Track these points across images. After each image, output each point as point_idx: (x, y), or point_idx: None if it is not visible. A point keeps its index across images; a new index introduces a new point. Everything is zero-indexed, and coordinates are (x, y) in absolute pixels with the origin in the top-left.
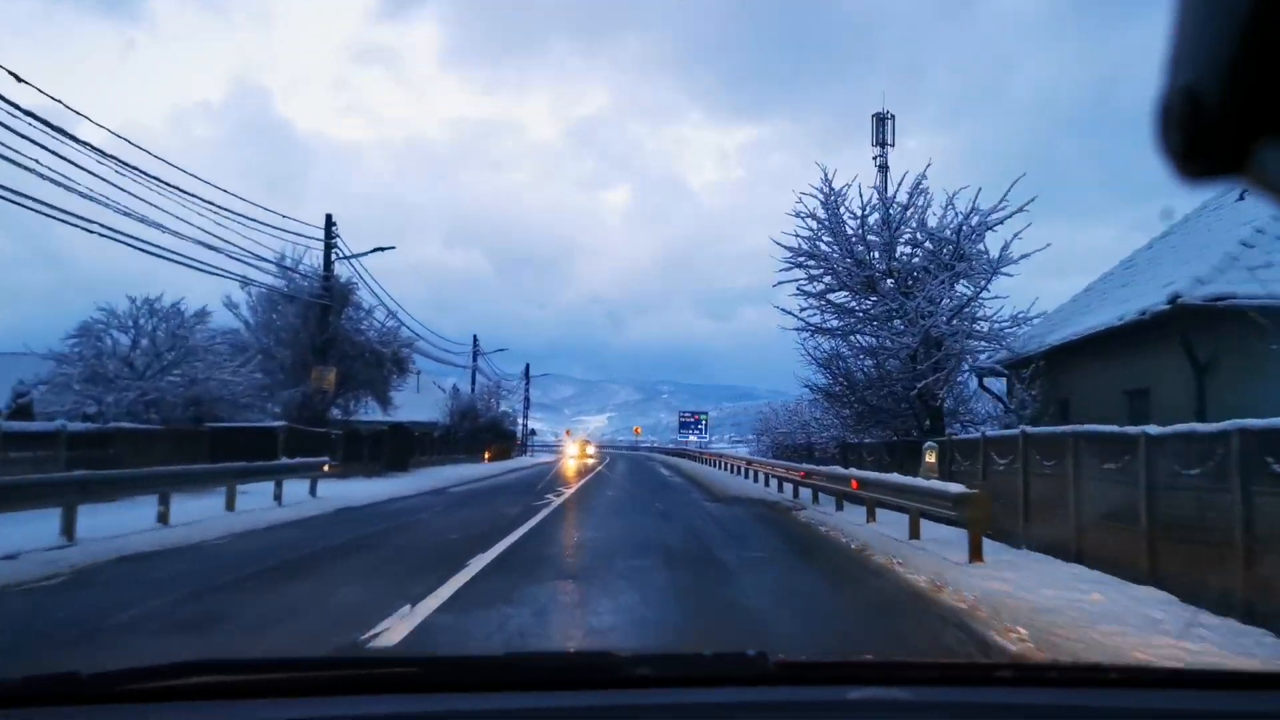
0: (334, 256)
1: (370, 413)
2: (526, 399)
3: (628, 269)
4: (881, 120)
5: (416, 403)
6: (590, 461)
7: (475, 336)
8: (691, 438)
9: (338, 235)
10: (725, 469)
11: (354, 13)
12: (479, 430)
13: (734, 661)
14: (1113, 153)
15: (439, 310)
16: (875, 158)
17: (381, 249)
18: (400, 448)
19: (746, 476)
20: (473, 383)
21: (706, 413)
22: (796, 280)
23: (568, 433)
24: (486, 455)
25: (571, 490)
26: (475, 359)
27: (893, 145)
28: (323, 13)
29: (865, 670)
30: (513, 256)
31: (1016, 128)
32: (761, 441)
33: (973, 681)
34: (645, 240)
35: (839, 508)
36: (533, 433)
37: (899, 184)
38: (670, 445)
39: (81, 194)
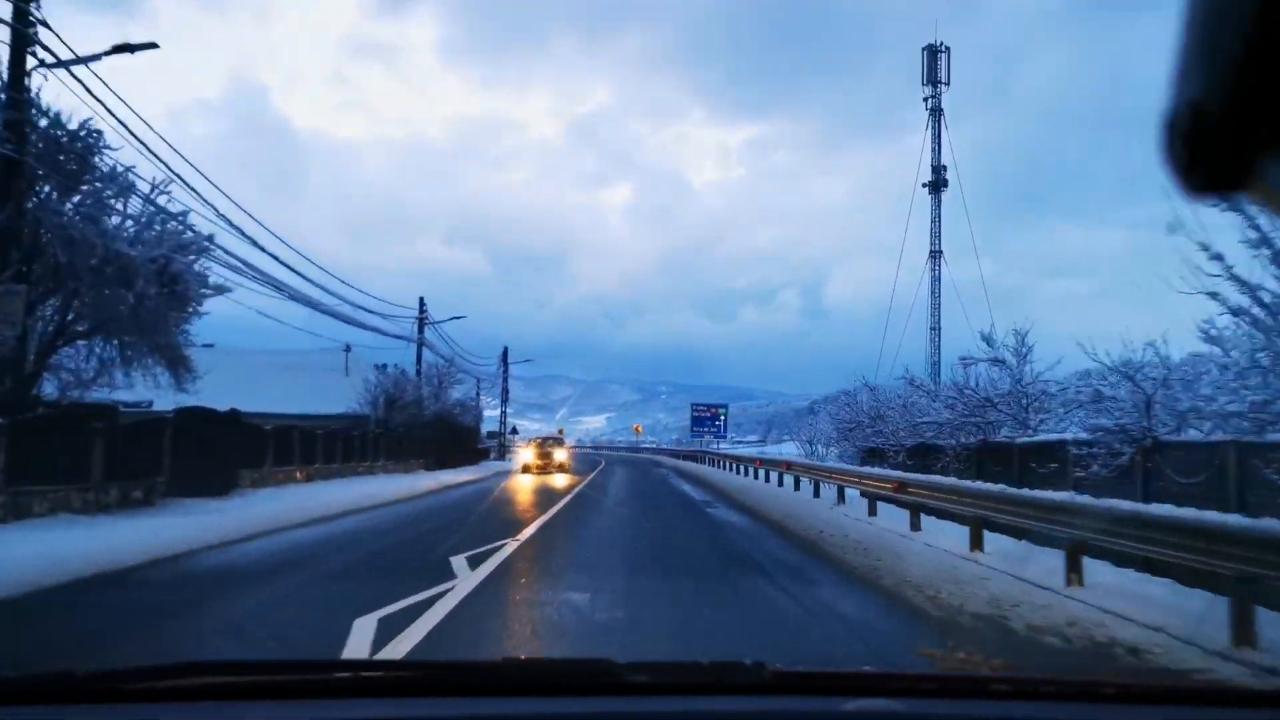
0: (34, 66)
1: (225, 396)
2: (505, 390)
3: (628, 269)
4: (934, 54)
5: (343, 388)
6: (562, 481)
7: (422, 299)
8: (707, 437)
9: (42, 20)
10: (782, 484)
11: (352, 8)
12: (421, 426)
13: (731, 671)
14: (1117, 151)
15: (437, 309)
16: (926, 99)
17: (130, 48)
18: (212, 452)
19: (870, 510)
20: (418, 361)
21: (726, 406)
22: None
23: (560, 431)
24: (422, 463)
25: (482, 577)
26: (421, 329)
27: (947, 84)
28: (321, 9)
29: (861, 681)
30: (512, 256)
31: (1021, 125)
32: (839, 445)
33: (969, 694)
34: (645, 240)
35: None
36: (514, 431)
37: None
38: (670, 445)
39: None
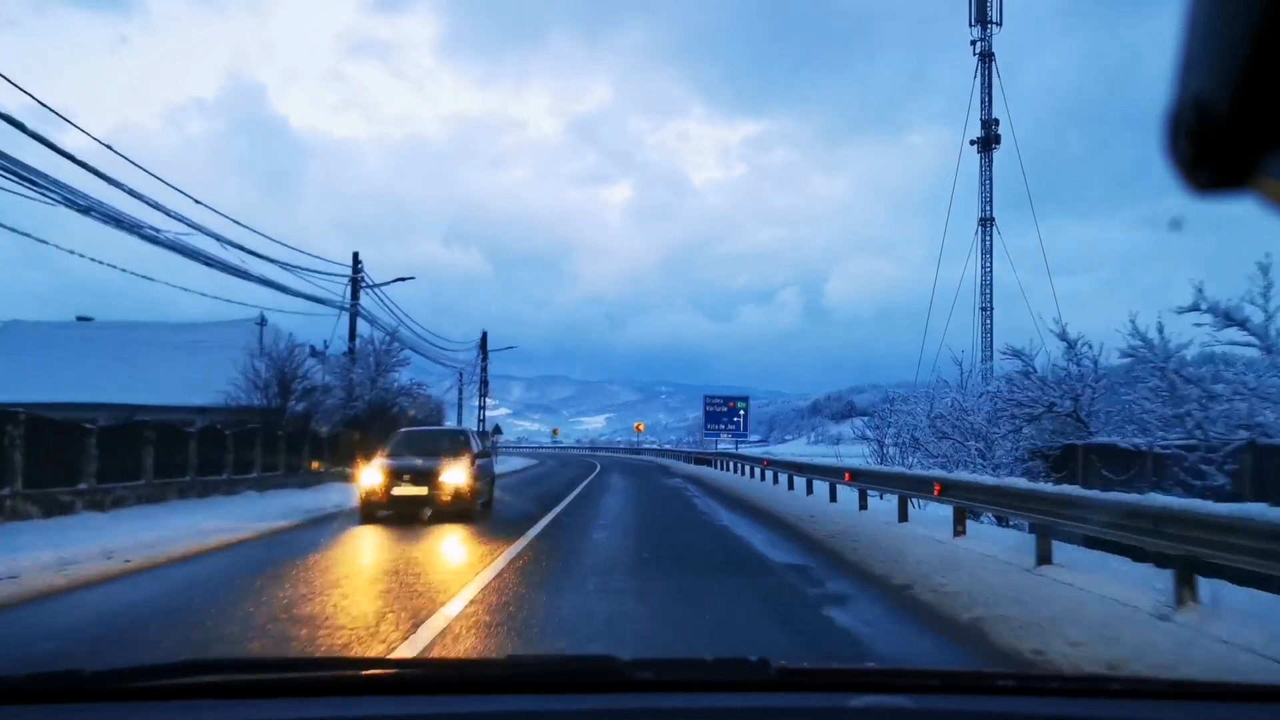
0: None
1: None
2: (484, 381)
3: (628, 268)
4: None
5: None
6: (456, 559)
7: (356, 255)
8: (724, 435)
9: None
10: (905, 518)
11: (349, 5)
12: (350, 422)
13: (736, 667)
14: (1119, 148)
15: (436, 310)
16: (974, 43)
17: None
18: None
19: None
20: (351, 338)
21: (747, 399)
22: None
23: (555, 431)
24: (343, 473)
25: None
26: (355, 294)
27: (999, 25)
28: (317, 6)
29: (867, 678)
30: (511, 256)
31: (1023, 121)
32: (1006, 441)
33: (974, 690)
34: (645, 239)
35: None
36: (497, 430)
37: None
38: (671, 445)
39: None
